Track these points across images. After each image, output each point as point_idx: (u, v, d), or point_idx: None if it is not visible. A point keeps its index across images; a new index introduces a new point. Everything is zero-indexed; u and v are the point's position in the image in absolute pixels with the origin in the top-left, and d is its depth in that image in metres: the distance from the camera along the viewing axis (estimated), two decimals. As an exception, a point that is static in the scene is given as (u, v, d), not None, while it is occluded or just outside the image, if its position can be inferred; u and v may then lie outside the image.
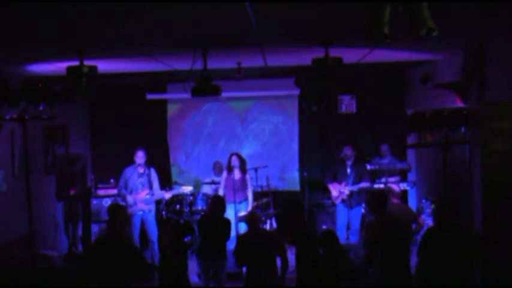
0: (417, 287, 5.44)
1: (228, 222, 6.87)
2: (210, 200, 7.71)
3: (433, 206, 8.08)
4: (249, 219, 6.48)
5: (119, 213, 5.60)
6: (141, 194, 8.43)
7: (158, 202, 9.23)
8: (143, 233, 8.45)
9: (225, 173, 8.96)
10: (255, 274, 6.12)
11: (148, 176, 8.47)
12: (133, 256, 5.36)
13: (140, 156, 8.42)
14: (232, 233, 8.64)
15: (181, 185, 9.51)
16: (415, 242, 6.55)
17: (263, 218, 8.73)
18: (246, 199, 8.89)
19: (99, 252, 5.34)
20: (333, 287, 5.57)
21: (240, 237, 6.80)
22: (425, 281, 5.17)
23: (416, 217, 7.12)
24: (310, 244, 5.86)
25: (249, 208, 8.80)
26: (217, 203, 6.93)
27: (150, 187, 8.47)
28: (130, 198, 8.35)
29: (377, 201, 6.01)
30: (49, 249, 8.10)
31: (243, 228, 8.76)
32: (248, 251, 6.20)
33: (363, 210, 8.83)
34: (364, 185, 8.46)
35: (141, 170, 8.46)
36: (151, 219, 8.48)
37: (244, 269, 7.43)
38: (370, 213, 6.25)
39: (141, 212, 8.41)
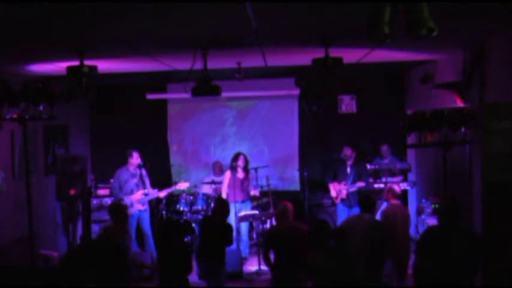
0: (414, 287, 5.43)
1: (229, 227, 6.55)
2: (213, 202, 7.47)
3: (436, 206, 8.09)
4: (283, 211, 6.11)
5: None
6: (137, 194, 8.50)
7: (158, 202, 9.25)
8: (139, 229, 8.52)
9: (228, 173, 8.93)
10: (283, 268, 5.92)
11: (141, 176, 8.57)
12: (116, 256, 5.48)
13: (136, 157, 8.54)
14: (234, 233, 8.71)
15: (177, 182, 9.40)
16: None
17: (263, 218, 8.72)
18: (249, 198, 8.90)
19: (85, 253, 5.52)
20: None
21: (270, 230, 6.49)
22: (422, 280, 5.16)
23: (409, 223, 7.01)
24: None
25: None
26: (221, 207, 6.57)
27: (144, 186, 8.59)
28: (127, 200, 8.40)
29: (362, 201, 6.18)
30: (49, 249, 8.10)
31: (244, 228, 8.78)
32: (278, 243, 5.96)
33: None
34: (360, 185, 8.45)
35: (133, 171, 8.56)
36: (146, 216, 8.58)
37: (245, 266, 7.40)
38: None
39: (137, 212, 8.48)
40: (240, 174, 8.79)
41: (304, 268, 5.93)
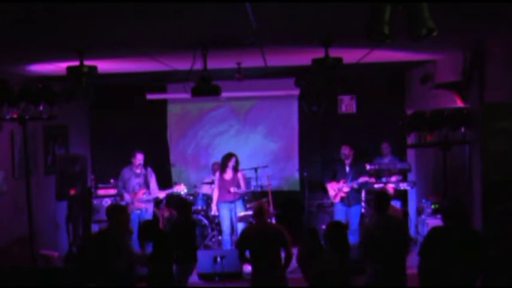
0: None
1: (193, 224, 6.86)
2: (177, 205, 7.57)
3: (436, 206, 8.08)
4: (257, 211, 6.20)
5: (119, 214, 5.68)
6: (138, 193, 8.60)
7: (158, 202, 9.26)
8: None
9: (217, 174, 9.02)
10: (260, 268, 5.98)
11: (145, 176, 8.63)
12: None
13: (140, 158, 8.64)
14: (228, 231, 8.75)
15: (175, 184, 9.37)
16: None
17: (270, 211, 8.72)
18: (240, 198, 8.91)
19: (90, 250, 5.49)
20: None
21: (244, 230, 6.61)
22: (427, 281, 5.14)
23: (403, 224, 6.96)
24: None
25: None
26: (180, 206, 6.79)
27: (147, 186, 8.64)
28: (127, 196, 8.55)
29: (377, 201, 6.01)
30: (49, 249, 8.09)
31: (241, 228, 8.76)
32: (252, 244, 6.05)
33: (362, 210, 8.82)
34: (363, 179, 8.45)
35: (137, 170, 8.66)
36: (147, 216, 8.62)
37: (245, 266, 7.42)
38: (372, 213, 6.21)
39: (138, 211, 8.55)
40: (228, 175, 8.83)
41: (283, 268, 5.99)
